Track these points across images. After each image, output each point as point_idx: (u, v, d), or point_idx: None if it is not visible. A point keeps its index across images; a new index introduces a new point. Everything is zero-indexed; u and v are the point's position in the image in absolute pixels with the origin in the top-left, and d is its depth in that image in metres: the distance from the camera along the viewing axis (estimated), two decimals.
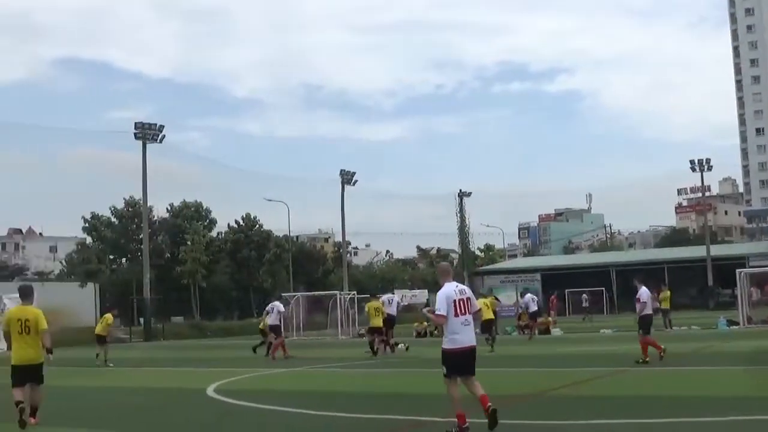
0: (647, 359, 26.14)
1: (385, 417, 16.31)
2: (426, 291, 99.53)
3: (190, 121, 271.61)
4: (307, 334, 57.91)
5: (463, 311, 13.73)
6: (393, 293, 46.83)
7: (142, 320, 72.56)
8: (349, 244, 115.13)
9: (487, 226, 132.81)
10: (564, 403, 17.96)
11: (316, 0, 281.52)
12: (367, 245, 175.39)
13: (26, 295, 17.04)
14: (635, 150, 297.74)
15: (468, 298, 13.96)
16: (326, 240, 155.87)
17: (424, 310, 15.93)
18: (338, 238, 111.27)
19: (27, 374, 16.19)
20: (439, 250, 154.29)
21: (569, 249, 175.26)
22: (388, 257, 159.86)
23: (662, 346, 26.35)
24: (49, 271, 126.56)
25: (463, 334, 13.81)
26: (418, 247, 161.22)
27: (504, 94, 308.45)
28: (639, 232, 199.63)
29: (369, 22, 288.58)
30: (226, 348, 45.25)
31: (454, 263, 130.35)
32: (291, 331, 56.25)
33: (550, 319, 54.14)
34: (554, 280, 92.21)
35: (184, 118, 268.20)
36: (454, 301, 13.70)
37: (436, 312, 13.94)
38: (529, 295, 47.71)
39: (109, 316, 37.53)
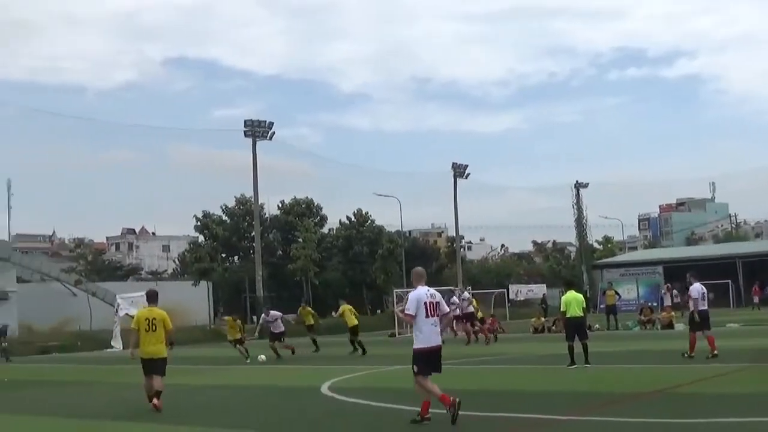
0: (715, 353, 26.59)
1: (501, 415, 16.27)
2: (544, 286, 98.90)
3: (299, 118, 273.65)
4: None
5: (432, 313, 15.40)
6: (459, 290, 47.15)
7: (254, 318, 73.22)
8: (463, 238, 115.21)
9: (606, 217, 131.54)
10: (690, 401, 17.72)
11: None
12: (482, 239, 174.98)
13: (152, 298, 19.93)
14: (762, 136, 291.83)
15: (437, 302, 15.64)
16: (439, 235, 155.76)
17: (396, 309, 17.21)
18: (451, 233, 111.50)
19: (152, 366, 19.15)
20: (555, 243, 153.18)
21: (692, 240, 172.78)
22: (502, 251, 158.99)
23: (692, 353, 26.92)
24: (162, 270, 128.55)
25: (430, 335, 15.50)
26: (533, 241, 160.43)
27: (620, 81, 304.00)
28: (766, 221, 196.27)
29: (477, 11, 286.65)
30: (339, 345, 45.39)
31: (572, 256, 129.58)
32: (405, 327, 56.39)
33: (672, 313, 53.40)
34: (676, 273, 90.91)
35: (293, 114, 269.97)
36: (425, 303, 15.37)
37: (406, 311, 15.82)
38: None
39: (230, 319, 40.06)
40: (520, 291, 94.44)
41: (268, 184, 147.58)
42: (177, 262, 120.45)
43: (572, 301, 26.84)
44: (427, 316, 15.37)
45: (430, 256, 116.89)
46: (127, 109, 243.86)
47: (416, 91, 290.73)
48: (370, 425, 15.94)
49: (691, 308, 27.39)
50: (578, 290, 28.87)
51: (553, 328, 51.38)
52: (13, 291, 74.47)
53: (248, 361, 35.58)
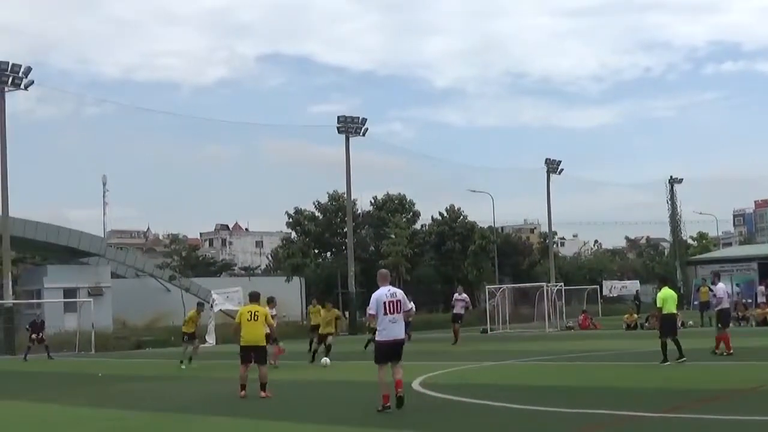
0: (731, 352, 26.53)
1: (586, 411, 16.21)
2: (637, 282, 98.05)
3: (392, 113, 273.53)
4: (513, 327, 57.81)
5: (391, 311, 17.18)
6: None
7: (347, 314, 73.48)
8: (555, 234, 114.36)
9: (700, 213, 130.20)
10: None
11: None
12: (575, 235, 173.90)
13: (255, 298, 22.22)
14: None
15: (398, 300, 17.39)
16: (532, 231, 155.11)
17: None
18: (544, 229, 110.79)
19: (252, 353, 20.89)
20: (648, 239, 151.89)
21: None
22: (596, 247, 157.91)
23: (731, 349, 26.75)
24: (255, 266, 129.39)
25: (389, 330, 17.26)
26: (626, 237, 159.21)
27: (716, 76, 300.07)
28: None
29: (571, 5, 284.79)
30: (430, 341, 45.50)
31: (665, 253, 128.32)
32: (497, 323, 56.31)
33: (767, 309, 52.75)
34: None
35: (387, 110, 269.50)
36: (384, 302, 17.21)
37: (368, 311, 18.15)
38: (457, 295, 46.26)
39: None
40: (613, 287, 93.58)
41: (361, 180, 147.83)
42: (270, 258, 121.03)
43: (669, 297, 26.73)
44: (386, 313, 17.17)
45: (522, 252, 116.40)
46: (221, 106, 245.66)
47: (510, 85, 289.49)
48: (465, 421, 15.93)
49: (719, 306, 27.80)
50: (673, 287, 28.69)
51: (646, 324, 51.01)
52: (108, 286, 75.70)
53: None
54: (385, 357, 17.34)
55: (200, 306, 38.50)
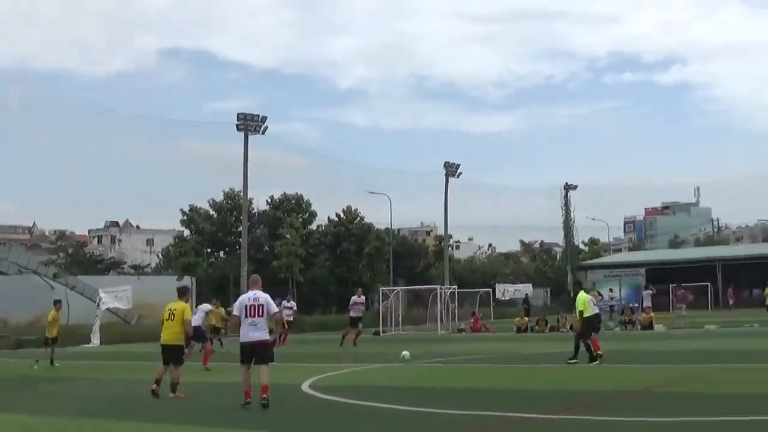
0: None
1: (477, 413, 16.22)
2: (530, 285, 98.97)
3: (294, 113, 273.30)
4: (406, 329, 57.89)
5: (252, 314, 17.82)
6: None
7: None
8: (451, 237, 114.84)
9: (593, 219, 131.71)
10: (670, 400, 17.73)
11: None
12: (470, 239, 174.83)
13: (181, 293, 21.81)
14: (746, 143, 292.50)
15: (260, 305, 17.93)
16: (428, 233, 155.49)
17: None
18: (440, 232, 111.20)
19: (169, 354, 20.53)
20: (542, 243, 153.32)
21: (675, 243, 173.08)
22: (490, 251, 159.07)
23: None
24: (145, 264, 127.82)
25: (250, 332, 17.86)
26: (521, 241, 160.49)
27: (616, 85, 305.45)
28: (747, 226, 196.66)
29: (478, 11, 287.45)
30: (322, 343, 45.39)
31: (558, 257, 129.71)
32: (390, 325, 56.37)
33: (652, 314, 53.51)
34: (659, 275, 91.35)
35: (289, 109, 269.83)
36: (246, 305, 17.89)
37: (233, 313, 19.18)
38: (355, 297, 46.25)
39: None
40: (506, 290, 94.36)
41: (259, 179, 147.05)
42: (161, 256, 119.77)
43: (587, 300, 27.21)
44: (246, 316, 17.85)
45: (418, 255, 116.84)
46: (116, 99, 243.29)
47: (414, 88, 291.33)
48: (353, 423, 15.86)
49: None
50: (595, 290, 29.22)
51: (536, 327, 51.52)
52: None
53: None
54: (247, 358, 17.97)
55: (57, 303, 37.04)
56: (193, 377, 23.90)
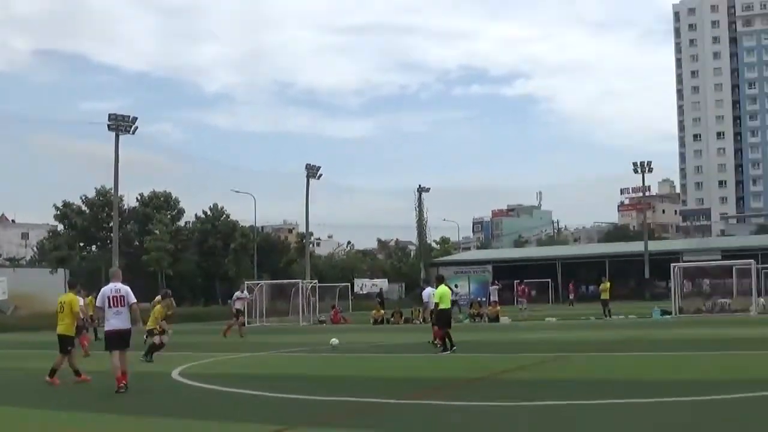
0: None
1: (332, 399, 16.36)
2: (386, 280, 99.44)
3: (163, 114, 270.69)
4: (270, 321, 57.80)
5: (114, 304, 18.24)
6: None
7: None
8: (312, 235, 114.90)
9: (444, 220, 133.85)
10: (509, 387, 18.06)
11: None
12: (330, 236, 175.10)
13: (71, 286, 22.19)
14: (583, 152, 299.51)
15: (121, 296, 18.39)
16: (290, 231, 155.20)
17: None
18: (302, 230, 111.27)
19: (64, 343, 20.31)
20: (397, 241, 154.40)
21: (519, 243, 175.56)
22: (349, 248, 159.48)
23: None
24: (20, 257, 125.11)
25: (113, 321, 18.35)
26: (378, 239, 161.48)
27: (465, 97, 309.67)
28: (584, 228, 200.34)
29: (338, 23, 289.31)
30: (191, 333, 45.05)
31: (412, 254, 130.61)
32: (254, 317, 56.20)
33: (498, 308, 54.34)
34: (504, 272, 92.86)
35: (158, 110, 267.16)
36: (108, 297, 18.27)
37: (96, 304, 19.80)
38: (429, 289, 45.37)
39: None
40: (363, 285, 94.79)
41: (129, 177, 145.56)
42: (35, 249, 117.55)
43: (445, 294, 27.55)
44: (109, 306, 18.26)
45: (281, 251, 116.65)
46: None
47: (278, 94, 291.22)
48: (221, 409, 15.84)
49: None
50: (447, 285, 29.46)
51: (392, 319, 51.91)
52: None
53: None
54: (113, 345, 18.33)
55: None
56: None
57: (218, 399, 17.04)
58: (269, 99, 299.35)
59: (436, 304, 27.73)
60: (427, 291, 35.07)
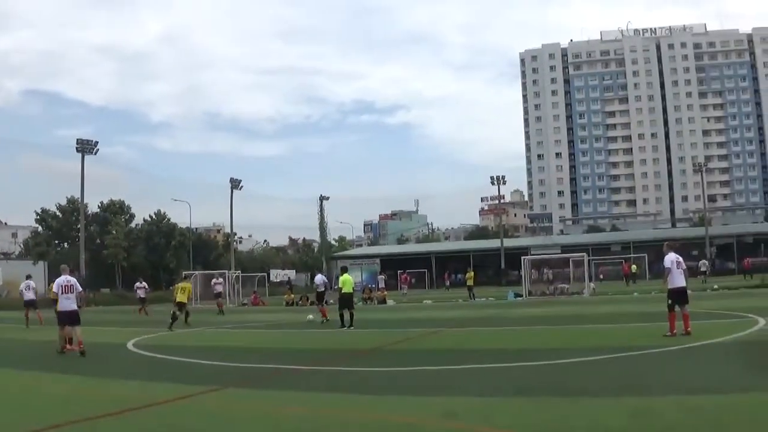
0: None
1: (259, 366, 16.36)
2: (294, 271, 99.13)
3: (118, 138, 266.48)
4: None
5: (66, 291, 19.16)
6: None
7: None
8: (236, 234, 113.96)
9: (341, 222, 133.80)
10: (396, 355, 18.21)
11: (216, 46, 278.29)
12: (250, 235, 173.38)
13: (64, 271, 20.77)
14: (452, 167, 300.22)
15: (71, 285, 19.27)
16: (218, 231, 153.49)
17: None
18: (228, 230, 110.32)
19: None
20: (304, 239, 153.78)
21: (401, 240, 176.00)
22: (265, 245, 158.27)
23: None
24: (11, 252, 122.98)
25: (65, 304, 19.16)
26: (289, 237, 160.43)
27: (357, 124, 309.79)
28: (452, 228, 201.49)
29: (256, 65, 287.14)
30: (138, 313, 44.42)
31: (315, 250, 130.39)
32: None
33: (386, 292, 54.52)
34: (390, 264, 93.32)
35: (115, 136, 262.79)
36: (62, 285, 19.21)
37: (54, 291, 20.65)
38: (319, 276, 44.43)
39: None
40: (277, 275, 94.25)
41: (93, 188, 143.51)
42: (21, 246, 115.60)
43: (347, 281, 27.49)
44: (62, 293, 19.18)
45: (211, 247, 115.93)
46: None
47: (208, 122, 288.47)
48: (167, 372, 15.73)
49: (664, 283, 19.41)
50: (349, 274, 29.25)
51: (300, 302, 51.63)
52: None
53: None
54: (64, 321, 19.18)
55: None
56: (40, 335, 23.15)
57: (165, 365, 16.96)
58: (201, 126, 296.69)
59: (339, 289, 27.74)
60: (319, 277, 35.52)
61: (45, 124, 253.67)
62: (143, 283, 48.00)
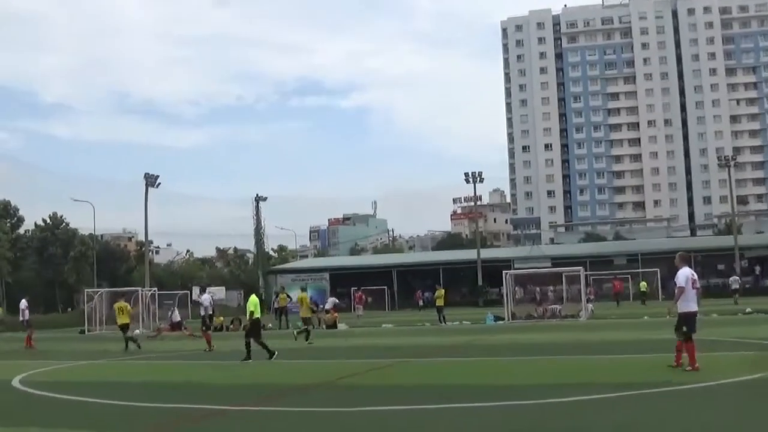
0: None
1: (177, 406, 16.14)
2: (223, 288, 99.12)
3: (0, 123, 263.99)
4: (109, 328, 56.75)
5: None
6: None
7: None
8: (152, 243, 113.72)
9: (281, 228, 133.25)
10: (348, 392, 18.08)
11: (125, 10, 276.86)
12: (169, 245, 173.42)
13: None
14: (418, 162, 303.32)
15: None
16: (130, 239, 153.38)
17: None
18: (141, 238, 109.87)
19: None
20: (236, 249, 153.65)
21: (356, 250, 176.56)
22: (188, 256, 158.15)
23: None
24: None
25: None
26: (216, 248, 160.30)
27: (301, 107, 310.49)
28: (418, 236, 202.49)
29: (175, 34, 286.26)
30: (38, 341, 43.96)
31: (250, 262, 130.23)
32: (94, 324, 55.16)
33: (336, 315, 54.35)
34: (342, 279, 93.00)
35: None
36: None
37: None
38: (206, 296, 41.00)
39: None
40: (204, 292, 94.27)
41: None
42: None
43: (257, 304, 27.18)
44: None
45: (120, 258, 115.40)
46: None
47: (116, 104, 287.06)
48: (60, 416, 15.49)
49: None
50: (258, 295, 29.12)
51: (231, 326, 51.36)
52: None
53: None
54: None
55: None
56: None
57: (58, 407, 16.68)
58: (107, 109, 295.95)
59: (251, 314, 27.15)
60: (205, 297, 37.17)
61: None
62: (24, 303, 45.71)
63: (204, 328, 34.50)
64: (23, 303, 42.79)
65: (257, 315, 26.99)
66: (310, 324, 36.99)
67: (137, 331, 49.52)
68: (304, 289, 42.85)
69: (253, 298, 27.83)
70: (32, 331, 40.84)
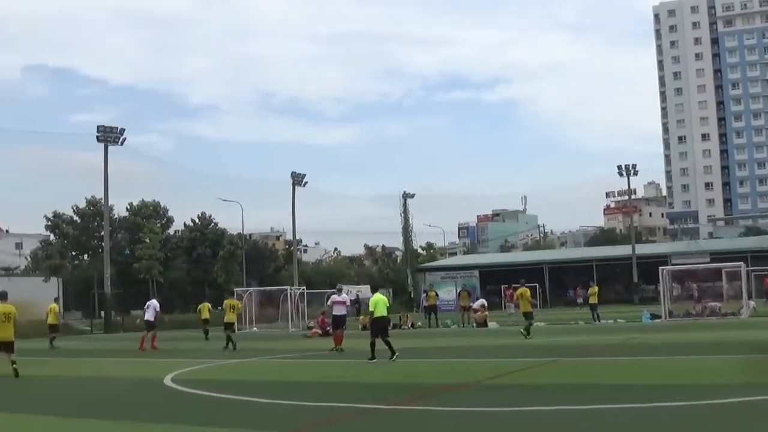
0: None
1: (328, 404, 16.29)
2: (368, 287, 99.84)
3: (149, 125, 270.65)
4: (259, 327, 57.77)
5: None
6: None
7: (102, 313, 72.31)
8: (300, 242, 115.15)
9: (429, 225, 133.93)
10: (498, 391, 18.03)
11: (269, 10, 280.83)
12: (317, 243, 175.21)
13: (3, 297, 23.32)
14: (568, 155, 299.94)
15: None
16: (278, 238, 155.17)
17: None
18: (289, 237, 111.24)
19: (3, 346, 23.24)
20: (384, 247, 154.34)
21: (505, 247, 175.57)
22: (336, 254, 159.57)
23: None
24: (15, 266, 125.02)
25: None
26: (364, 245, 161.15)
27: (446, 102, 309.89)
28: (570, 232, 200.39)
29: (320, 32, 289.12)
30: (182, 340, 44.96)
31: (398, 260, 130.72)
32: (244, 323, 56.13)
33: (486, 313, 54.18)
34: (491, 277, 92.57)
35: (145, 121, 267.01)
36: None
37: None
38: (153, 301, 40.55)
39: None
40: (350, 291, 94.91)
41: (119, 187, 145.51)
42: (29, 258, 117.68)
43: (379, 302, 27.10)
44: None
45: (269, 258, 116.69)
46: None
47: (261, 104, 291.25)
48: (213, 414, 15.79)
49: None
50: (385, 293, 29.00)
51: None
52: None
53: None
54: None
55: None
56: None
57: (209, 405, 16.98)
58: (253, 109, 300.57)
59: (371, 313, 27.30)
60: (153, 302, 37.84)
61: (54, 109, 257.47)
62: (343, 295, 43.48)
63: (334, 327, 34.17)
64: (152, 303, 40.03)
65: (378, 313, 26.95)
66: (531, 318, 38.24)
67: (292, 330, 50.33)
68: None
69: (376, 297, 27.81)
70: (148, 333, 38.40)
